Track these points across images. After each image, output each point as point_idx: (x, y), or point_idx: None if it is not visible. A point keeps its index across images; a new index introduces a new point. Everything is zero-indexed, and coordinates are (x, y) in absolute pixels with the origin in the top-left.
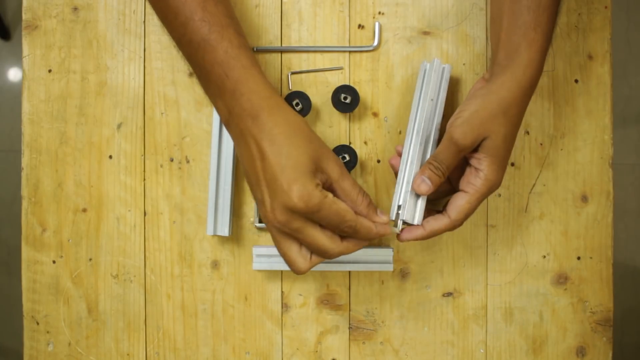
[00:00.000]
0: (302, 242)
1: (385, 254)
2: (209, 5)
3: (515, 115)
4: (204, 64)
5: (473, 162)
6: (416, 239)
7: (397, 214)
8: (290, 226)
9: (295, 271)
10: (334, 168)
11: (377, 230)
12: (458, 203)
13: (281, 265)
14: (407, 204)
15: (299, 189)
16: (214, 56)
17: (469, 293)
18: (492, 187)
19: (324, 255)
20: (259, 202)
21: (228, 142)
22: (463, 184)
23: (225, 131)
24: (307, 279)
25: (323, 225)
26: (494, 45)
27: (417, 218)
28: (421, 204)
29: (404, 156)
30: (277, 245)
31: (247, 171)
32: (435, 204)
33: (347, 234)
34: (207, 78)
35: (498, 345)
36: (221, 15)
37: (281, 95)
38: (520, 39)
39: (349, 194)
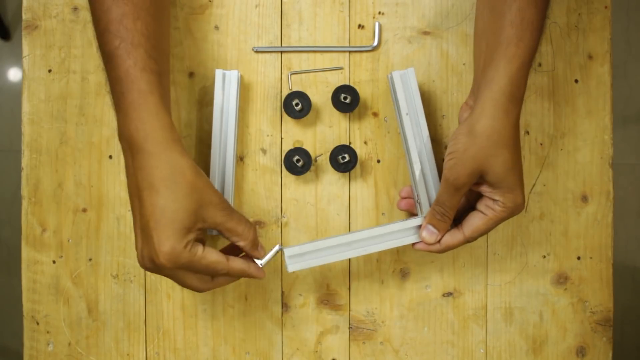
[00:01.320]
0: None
1: (413, 224)
2: (127, 20)
3: (508, 138)
4: (109, 77)
5: (487, 194)
6: (430, 251)
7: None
8: (158, 273)
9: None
10: (215, 214)
11: (250, 271)
12: (475, 223)
13: (319, 260)
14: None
15: (166, 251)
16: (117, 72)
17: (469, 293)
18: (514, 211)
19: (196, 291)
20: (135, 234)
21: (229, 142)
22: (482, 205)
23: (226, 131)
24: (307, 279)
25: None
26: (476, 67)
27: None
28: None
29: (413, 170)
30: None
31: (129, 194)
32: None
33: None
34: (111, 90)
35: (498, 345)
36: (136, 33)
37: (280, 97)
38: (500, 56)
39: (234, 232)
